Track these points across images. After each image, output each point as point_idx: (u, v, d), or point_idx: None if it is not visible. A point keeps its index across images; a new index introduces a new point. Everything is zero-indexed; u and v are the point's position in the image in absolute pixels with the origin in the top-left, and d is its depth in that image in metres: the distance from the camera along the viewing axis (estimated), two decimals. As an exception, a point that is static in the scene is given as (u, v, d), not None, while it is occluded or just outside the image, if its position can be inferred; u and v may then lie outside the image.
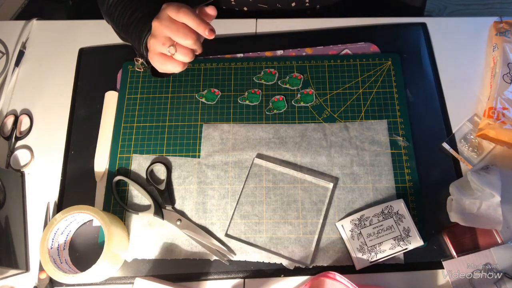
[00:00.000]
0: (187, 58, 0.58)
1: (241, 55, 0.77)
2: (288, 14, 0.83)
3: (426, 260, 0.62)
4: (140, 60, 0.69)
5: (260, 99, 0.73)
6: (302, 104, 0.72)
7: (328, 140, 0.69)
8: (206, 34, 0.56)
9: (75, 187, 0.68)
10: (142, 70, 0.74)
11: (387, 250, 0.60)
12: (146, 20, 0.63)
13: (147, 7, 0.65)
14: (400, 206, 0.62)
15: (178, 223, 0.64)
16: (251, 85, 0.75)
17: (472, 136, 0.69)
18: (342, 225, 0.63)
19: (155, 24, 0.57)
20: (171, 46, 0.57)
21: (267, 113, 0.72)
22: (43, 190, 0.68)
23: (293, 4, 0.82)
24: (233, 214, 0.65)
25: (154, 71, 0.71)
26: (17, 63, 0.78)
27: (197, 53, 0.59)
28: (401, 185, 0.66)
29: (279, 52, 0.77)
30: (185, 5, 0.56)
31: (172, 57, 0.58)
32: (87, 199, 0.67)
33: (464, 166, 0.67)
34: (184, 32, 0.55)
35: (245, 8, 0.84)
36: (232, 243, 0.64)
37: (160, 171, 0.69)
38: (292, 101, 0.73)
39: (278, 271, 0.62)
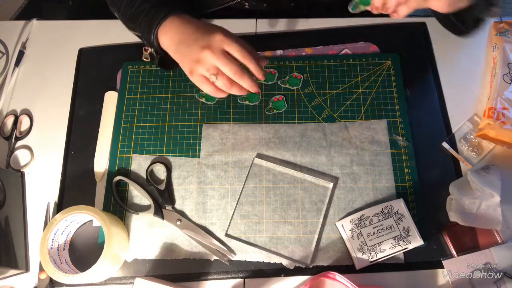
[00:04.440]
0: (226, 87, 0.60)
1: (241, 55, 0.77)
2: (288, 13, 0.83)
3: (426, 260, 0.62)
4: (149, 50, 0.69)
5: (260, 99, 0.73)
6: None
7: (328, 140, 0.69)
8: (260, 77, 0.60)
9: (75, 187, 0.68)
10: (150, 60, 0.73)
11: (387, 249, 0.60)
12: (156, 11, 0.63)
13: None
14: (400, 205, 0.62)
15: (178, 223, 0.64)
16: (251, 85, 0.75)
17: (472, 136, 0.69)
18: (342, 225, 0.63)
19: (207, 53, 0.58)
20: (213, 75, 0.59)
21: (267, 113, 0.72)
22: (43, 190, 0.68)
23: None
24: (233, 214, 0.65)
25: (161, 62, 0.70)
26: (17, 63, 0.78)
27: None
28: (401, 184, 0.66)
29: (279, 52, 0.77)
30: (250, 47, 0.60)
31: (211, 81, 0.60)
32: (87, 199, 0.67)
33: (464, 166, 0.67)
34: (235, 71, 0.58)
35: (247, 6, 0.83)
36: (232, 243, 0.64)
37: (160, 171, 0.69)
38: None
39: (278, 271, 0.62)
